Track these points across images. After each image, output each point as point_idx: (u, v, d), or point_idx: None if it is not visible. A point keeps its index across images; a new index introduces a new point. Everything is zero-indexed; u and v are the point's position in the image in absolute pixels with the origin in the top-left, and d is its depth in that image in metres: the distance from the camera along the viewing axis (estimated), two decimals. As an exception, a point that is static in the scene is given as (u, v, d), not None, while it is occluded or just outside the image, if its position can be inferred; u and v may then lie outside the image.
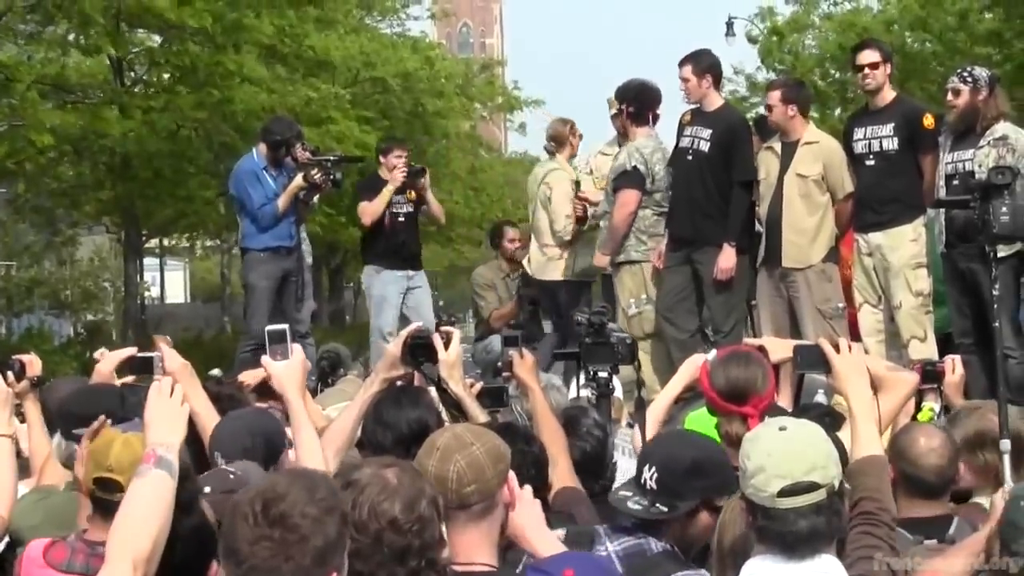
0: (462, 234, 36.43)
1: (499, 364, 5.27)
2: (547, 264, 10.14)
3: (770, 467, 3.35)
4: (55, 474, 4.92)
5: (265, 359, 4.40)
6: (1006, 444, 4.89)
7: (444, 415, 4.91)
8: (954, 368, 5.84)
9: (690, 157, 8.88)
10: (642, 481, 4.03)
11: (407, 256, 10.60)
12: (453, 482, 3.47)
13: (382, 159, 10.65)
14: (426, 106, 28.04)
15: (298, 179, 9.65)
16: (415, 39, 30.88)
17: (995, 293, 5.62)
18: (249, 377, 6.10)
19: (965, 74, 8.23)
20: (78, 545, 3.76)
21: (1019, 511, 3.44)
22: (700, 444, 4.23)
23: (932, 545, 4.19)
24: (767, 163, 8.77)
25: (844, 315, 8.62)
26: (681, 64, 8.96)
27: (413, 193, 10.51)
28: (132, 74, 21.19)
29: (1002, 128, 8.09)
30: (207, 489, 3.90)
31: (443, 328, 4.79)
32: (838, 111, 27.94)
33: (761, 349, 4.82)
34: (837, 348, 4.25)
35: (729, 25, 33.89)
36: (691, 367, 5.24)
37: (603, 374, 5.40)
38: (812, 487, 3.33)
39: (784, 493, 3.32)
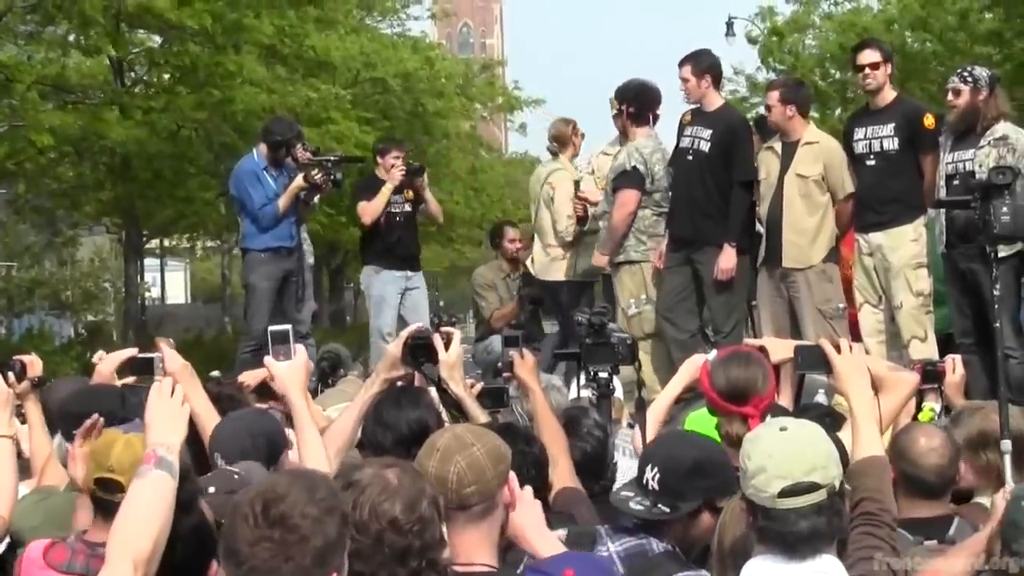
0: (462, 234, 36.43)
1: (499, 364, 5.27)
2: (550, 264, 10.15)
3: (771, 467, 3.35)
4: (56, 475, 4.92)
5: (268, 359, 4.40)
6: (1007, 444, 4.89)
7: (444, 416, 4.91)
8: (954, 368, 5.84)
9: (690, 157, 8.88)
10: (644, 482, 4.04)
11: (406, 256, 10.60)
12: (453, 483, 3.47)
13: (379, 160, 10.65)
14: (426, 106, 28.05)
15: (299, 179, 9.65)
16: (415, 39, 30.90)
17: (996, 293, 5.62)
18: (249, 378, 6.11)
19: (965, 74, 8.23)
20: (78, 546, 3.76)
21: (1020, 511, 3.44)
22: (701, 444, 4.24)
23: (932, 546, 4.19)
24: (767, 163, 8.77)
25: (844, 315, 8.62)
26: (681, 64, 8.96)
27: (411, 193, 10.52)
28: (132, 74, 21.21)
29: (1002, 128, 8.08)
30: (211, 489, 3.91)
31: (443, 329, 4.79)
32: (838, 111, 27.94)
33: (762, 349, 4.82)
34: (838, 348, 4.25)
35: (729, 25, 33.91)
36: (691, 367, 5.24)
37: (603, 374, 5.40)
38: (813, 487, 3.33)
39: (785, 493, 3.32)
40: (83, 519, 4.03)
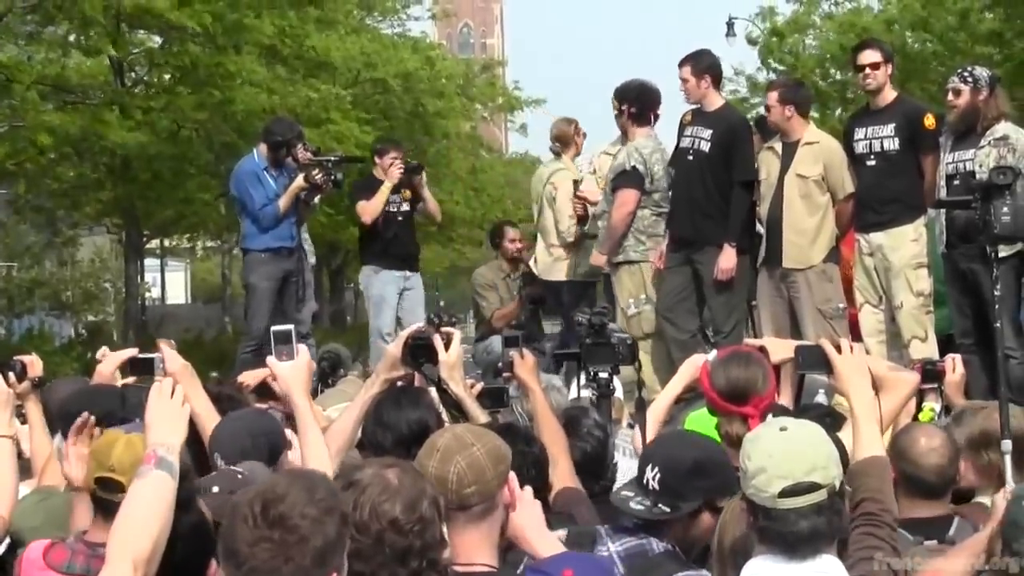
0: (463, 234, 36.41)
1: (500, 365, 5.27)
2: (553, 264, 10.17)
3: (771, 467, 3.35)
4: (56, 475, 4.90)
5: (270, 360, 4.39)
6: (1007, 444, 4.88)
7: (444, 416, 4.91)
8: (955, 367, 5.84)
9: (690, 157, 8.88)
10: (644, 481, 4.04)
11: (404, 256, 10.60)
12: (453, 483, 3.47)
13: (378, 160, 10.64)
14: (427, 106, 28.05)
15: (299, 180, 9.66)
16: (416, 39, 30.87)
17: (996, 293, 5.62)
18: (249, 378, 6.11)
19: (966, 74, 8.23)
20: (78, 546, 3.75)
21: (1021, 511, 3.44)
22: (702, 444, 4.24)
23: (932, 546, 4.19)
24: (768, 163, 8.77)
25: (845, 315, 8.62)
26: (681, 64, 8.96)
27: (409, 192, 10.53)
28: (132, 75, 21.20)
29: (1003, 128, 8.08)
30: (215, 489, 3.91)
31: (444, 329, 4.78)
32: (838, 111, 27.94)
33: (762, 349, 4.82)
34: (838, 348, 4.25)
35: (729, 25, 33.91)
36: (691, 367, 5.24)
37: (604, 375, 5.41)
38: (813, 487, 3.33)
39: (785, 493, 3.32)
40: (80, 518, 4.03)
